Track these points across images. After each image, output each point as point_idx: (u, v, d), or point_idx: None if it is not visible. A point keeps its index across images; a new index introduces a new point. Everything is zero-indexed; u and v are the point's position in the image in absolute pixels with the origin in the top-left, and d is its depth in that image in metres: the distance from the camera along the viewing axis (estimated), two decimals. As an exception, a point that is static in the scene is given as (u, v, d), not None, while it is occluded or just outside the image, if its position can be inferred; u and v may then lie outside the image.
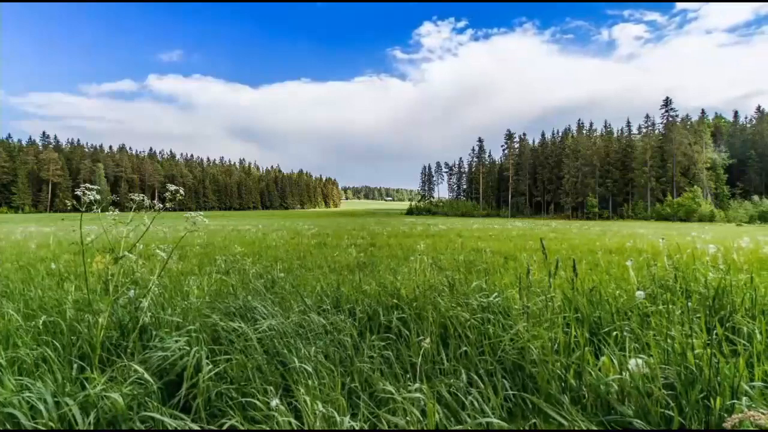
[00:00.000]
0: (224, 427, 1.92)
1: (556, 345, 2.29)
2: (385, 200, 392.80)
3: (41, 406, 1.90)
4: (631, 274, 3.65)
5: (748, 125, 79.34)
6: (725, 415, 1.72)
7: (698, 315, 2.68)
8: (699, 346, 2.09)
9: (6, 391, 1.97)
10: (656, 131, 78.20)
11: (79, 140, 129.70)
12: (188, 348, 2.49)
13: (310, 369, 2.20)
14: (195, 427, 1.94)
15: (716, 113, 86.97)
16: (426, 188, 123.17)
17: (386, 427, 1.74)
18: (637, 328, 2.58)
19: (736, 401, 1.78)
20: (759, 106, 77.98)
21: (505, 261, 6.98)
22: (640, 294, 2.90)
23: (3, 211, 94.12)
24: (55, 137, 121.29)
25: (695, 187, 66.50)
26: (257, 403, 2.01)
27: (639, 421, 1.74)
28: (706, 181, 69.58)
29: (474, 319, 2.56)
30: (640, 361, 1.95)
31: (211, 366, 2.30)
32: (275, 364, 2.39)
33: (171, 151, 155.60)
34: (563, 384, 1.99)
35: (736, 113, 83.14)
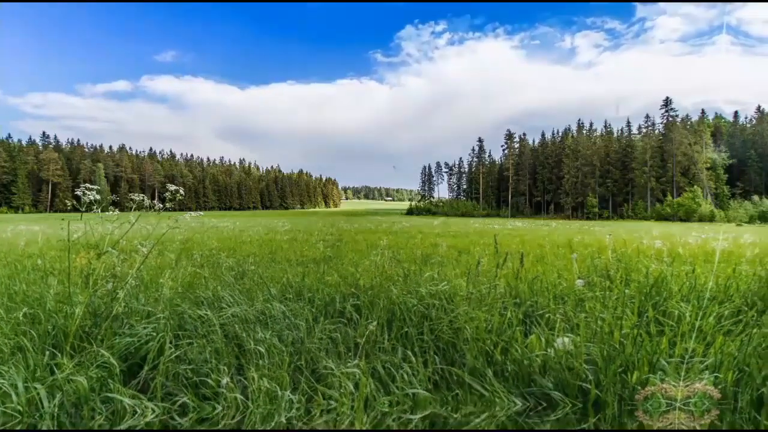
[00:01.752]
0: (176, 405, 2.02)
1: (491, 326, 2.39)
2: (385, 200, 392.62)
3: (11, 391, 1.96)
4: (574, 265, 3.76)
5: (748, 125, 79.15)
6: (640, 387, 1.82)
7: (633, 300, 2.79)
8: (627, 327, 2.19)
9: (22, 399, 2.00)
10: (656, 131, 78.12)
11: (78, 140, 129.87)
12: (155, 334, 2.58)
13: (263, 350, 2.31)
14: (150, 405, 2.02)
15: (716, 113, 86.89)
16: (426, 188, 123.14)
17: (322, 399, 1.85)
18: (571, 312, 2.69)
19: (652, 375, 1.88)
20: (759, 106, 77.84)
21: (458, 254, 7.22)
22: (579, 282, 3.01)
23: (3, 211, 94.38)
24: (55, 137, 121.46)
25: (695, 187, 66.37)
26: (210, 381, 2.12)
27: (557, 392, 1.85)
28: (706, 181, 69.44)
29: (421, 305, 2.70)
30: (566, 339, 2.06)
31: (173, 349, 2.38)
32: (232, 347, 2.50)
33: (171, 151, 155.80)
34: (489, 359, 2.10)
35: (736, 113, 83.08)
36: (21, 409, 1.94)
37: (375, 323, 2.29)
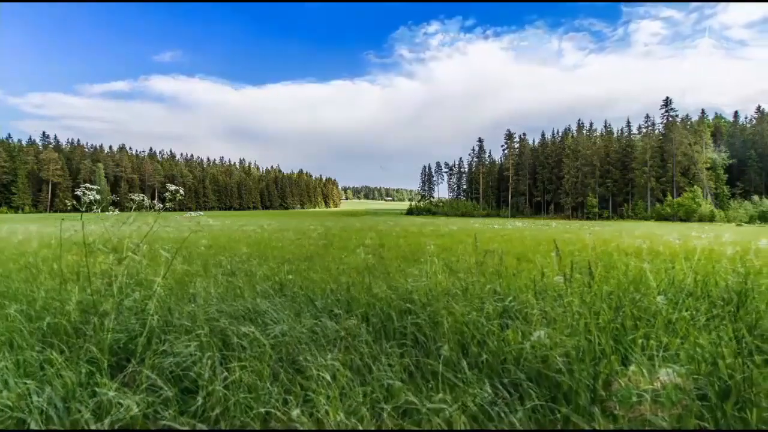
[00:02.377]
0: (160, 398, 1.99)
1: (581, 353, 2.26)
2: (385, 200, 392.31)
3: (51, 412, 1.91)
4: (554, 262, 3.72)
5: (748, 125, 78.97)
6: (764, 426, 1.73)
7: (724, 322, 2.64)
8: (604, 321, 2.20)
9: (12, 395, 1.97)
10: (656, 131, 77.96)
11: (78, 140, 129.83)
12: (200, 353, 2.39)
13: (328, 377, 2.09)
14: (135, 398, 1.95)
15: (716, 113, 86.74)
16: (426, 188, 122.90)
17: (300, 390, 1.88)
18: (549, 307, 2.66)
19: (624, 368, 1.90)
20: (759, 106, 77.66)
21: (441, 251, 7.30)
22: (559, 278, 2.98)
23: (3, 211, 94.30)
24: (55, 137, 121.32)
25: (695, 187, 66.16)
26: (277, 413, 1.93)
27: (528, 382, 1.86)
28: (706, 181, 69.23)
29: (401, 300, 2.70)
30: (542, 333, 2.06)
31: (225, 373, 2.18)
32: (291, 372, 2.30)
33: (171, 151, 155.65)
34: (592, 394, 1.97)
35: (736, 113, 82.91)
36: (10, 403, 1.94)
37: (355, 319, 2.31)
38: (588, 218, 76.40)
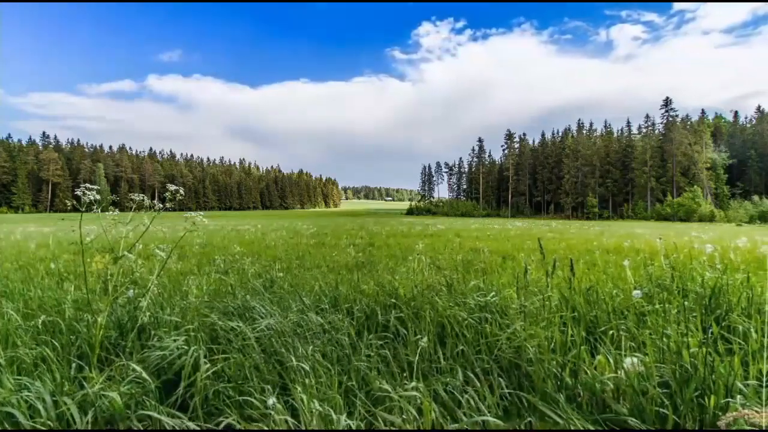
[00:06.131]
0: (221, 426, 1.88)
1: (553, 344, 2.35)
2: (385, 200, 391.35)
3: (39, 406, 1.88)
4: (628, 273, 3.72)
5: (748, 125, 78.89)
6: (719, 413, 1.75)
7: (694, 314, 2.71)
8: (694, 345, 2.15)
9: (5, 391, 1.94)
10: (656, 131, 77.92)
11: (79, 140, 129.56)
12: (186, 347, 2.43)
13: (307, 367, 2.19)
14: (192, 425, 1.90)
15: (716, 113, 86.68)
16: (426, 188, 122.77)
17: (383, 426, 1.81)
18: (634, 327, 2.62)
19: (730, 399, 1.81)
20: (759, 106, 77.58)
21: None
22: (637, 293, 2.96)
23: (3, 211, 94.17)
24: (55, 137, 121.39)
25: (695, 187, 66.10)
26: (254, 401, 1.99)
27: (634, 419, 1.79)
28: (706, 181, 69.19)
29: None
30: (635, 359, 2.02)
31: (208, 365, 2.24)
32: (273, 363, 2.38)
33: (171, 151, 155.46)
34: (559, 382, 2.04)
35: (736, 113, 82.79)
36: (51, 424, 1.85)
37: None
38: (588, 218, 76.37)
